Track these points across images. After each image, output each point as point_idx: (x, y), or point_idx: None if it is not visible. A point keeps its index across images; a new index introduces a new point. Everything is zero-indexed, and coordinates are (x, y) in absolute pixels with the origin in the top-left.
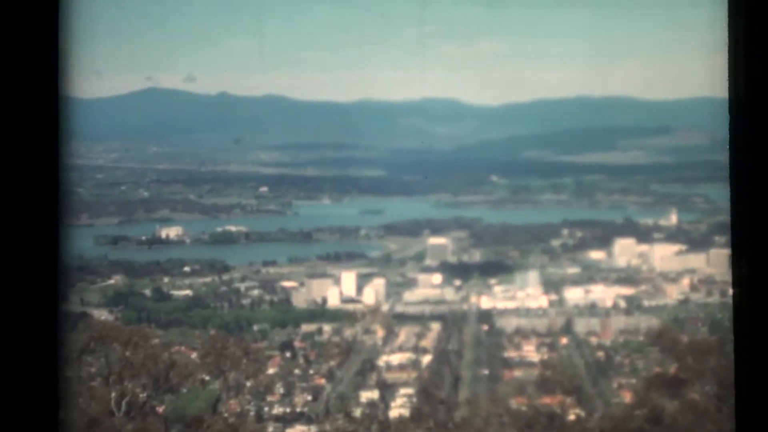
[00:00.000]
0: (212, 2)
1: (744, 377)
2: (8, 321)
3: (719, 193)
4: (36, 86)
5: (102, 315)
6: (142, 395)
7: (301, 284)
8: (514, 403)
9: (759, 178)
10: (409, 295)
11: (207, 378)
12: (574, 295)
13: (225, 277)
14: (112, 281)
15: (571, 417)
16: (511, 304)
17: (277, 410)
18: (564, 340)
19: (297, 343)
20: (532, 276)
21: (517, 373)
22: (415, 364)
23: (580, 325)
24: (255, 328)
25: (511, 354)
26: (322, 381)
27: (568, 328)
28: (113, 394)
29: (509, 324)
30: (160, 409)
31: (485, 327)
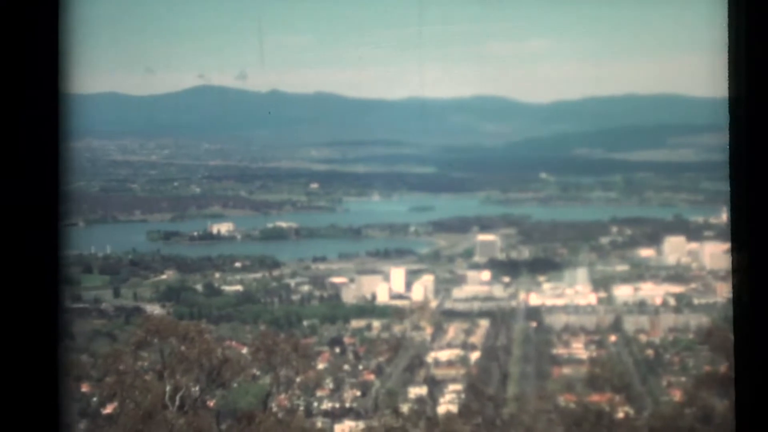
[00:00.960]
0: (259, 1)
1: (744, 377)
2: (8, 320)
3: None
4: (36, 85)
5: (154, 310)
6: (195, 390)
7: (351, 280)
8: (563, 400)
9: (759, 178)
10: (458, 292)
11: (257, 373)
12: (623, 292)
13: (275, 272)
14: (164, 276)
15: (620, 415)
16: (559, 302)
17: (326, 405)
18: (613, 338)
19: (346, 339)
20: (581, 273)
21: (566, 370)
22: (463, 361)
23: (629, 323)
24: (305, 323)
25: (559, 351)
26: (371, 377)
27: (617, 326)
28: (167, 388)
29: (558, 321)
30: (211, 404)
31: (534, 324)
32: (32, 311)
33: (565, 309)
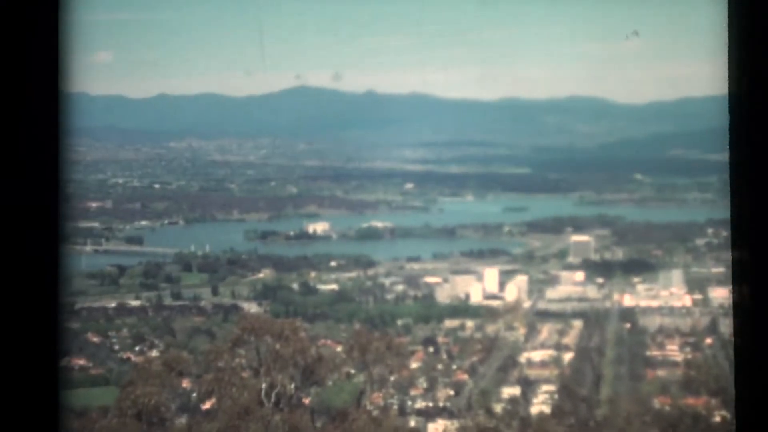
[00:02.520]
0: (359, 1)
1: (744, 377)
2: (8, 320)
3: None
4: (36, 85)
5: (251, 308)
6: (290, 387)
7: (445, 280)
8: (657, 402)
9: (759, 177)
10: (552, 293)
11: (352, 371)
12: (719, 294)
13: (370, 272)
14: (261, 275)
15: (717, 419)
16: (654, 303)
17: (420, 404)
18: (708, 341)
19: (440, 339)
20: (676, 275)
21: (660, 372)
22: (556, 361)
23: (725, 326)
24: (399, 322)
25: (654, 353)
26: (464, 376)
27: (713, 328)
28: (263, 385)
29: (652, 323)
30: (306, 401)
31: (628, 325)
32: (32, 311)
33: (659, 311)
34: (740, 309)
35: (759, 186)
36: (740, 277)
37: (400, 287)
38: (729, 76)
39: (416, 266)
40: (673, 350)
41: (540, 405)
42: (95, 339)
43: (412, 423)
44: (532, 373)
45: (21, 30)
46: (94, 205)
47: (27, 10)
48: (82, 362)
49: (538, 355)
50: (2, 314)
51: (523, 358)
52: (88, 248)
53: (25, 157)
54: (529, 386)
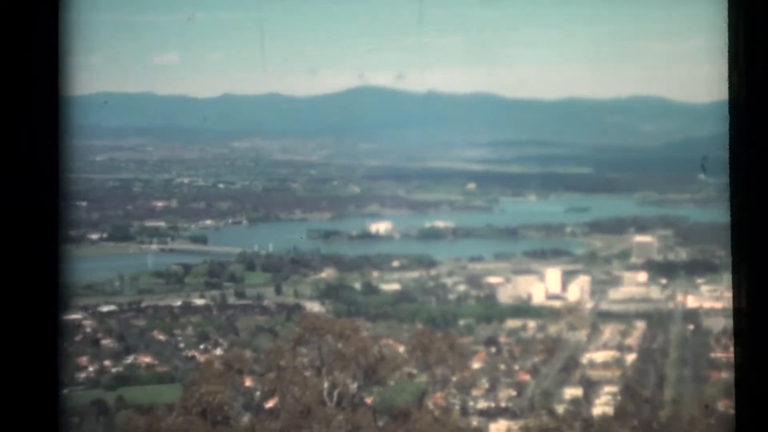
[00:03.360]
0: (423, 2)
1: (744, 378)
2: (8, 320)
3: None
4: (36, 86)
5: (314, 307)
6: (352, 386)
7: (507, 280)
8: (721, 405)
9: (759, 178)
10: (614, 293)
11: (414, 371)
12: None
13: (432, 271)
14: (323, 274)
15: None
16: (717, 304)
17: (482, 404)
18: None
19: (502, 339)
20: None
21: (725, 374)
22: (619, 362)
23: None
24: (461, 322)
25: (717, 355)
26: (527, 377)
27: None
28: (325, 385)
29: (716, 324)
30: (368, 401)
31: (691, 326)
32: (32, 311)
33: (723, 312)
34: (740, 309)
35: (759, 186)
36: (740, 278)
37: (462, 287)
38: (729, 78)
39: (478, 266)
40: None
41: (602, 406)
42: (161, 337)
43: (474, 423)
44: (595, 374)
45: (21, 30)
46: (159, 204)
47: (27, 10)
48: (148, 360)
49: (600, 356)
50: (2, 314)
51: (585, 358)
52: (154, 247)
53: (25, 157)
54: (591, 387)
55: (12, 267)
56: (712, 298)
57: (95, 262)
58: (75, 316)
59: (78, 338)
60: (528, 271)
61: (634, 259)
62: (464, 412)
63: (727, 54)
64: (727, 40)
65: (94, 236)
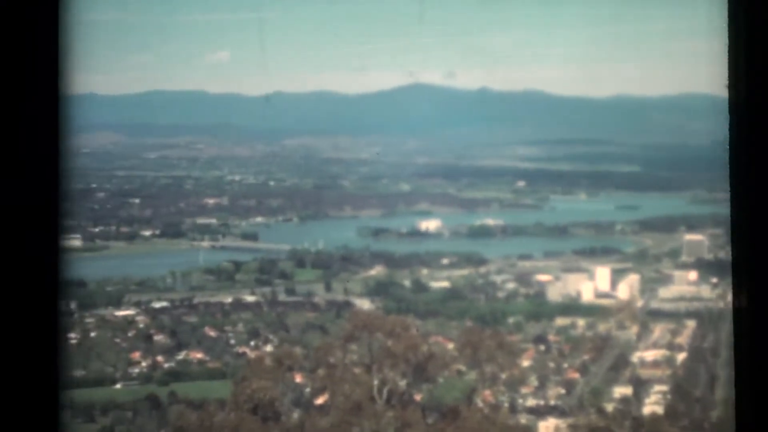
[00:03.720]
0: (472, 0)
1: (744, 377)
2: (8, 321)
3: None
4: (36, 85)
5: (363, 304)
6: (402, 384)
7: (556, 278)
8: None
9: (759, 178)
10: (665, 292)
11: (463, 369)
12: None
13: (482, 269)
14: (373, 272)
15: None
16: None
17: (531, 402)
18: None
19: (551, 337)
20: None
21: None
22: (669, 361)
23: None
24: (510, 320)
25: None
26: (576, 375)
27: None
28: (375, 382)
29: None
30: (418, 398)
31: None
32: (32, 312)
33: None
34: (740, 309)
35: (759, 186)
36: (740, 278)
37: (511, 285)
38: (729, 78)
39: (528, 264)
40: None
41: (653, 405)
42: (212, 333)
43: (523, 421)
44: (645, 373)
45: (21, 30)
46: (211, 201)
47: (27, 10)
48: (199, 356)
49: (650, 355)
50: (1, 315)
51: (635, 357)
52: (205, 244)
53: (25, 157)
54: (641, 386)
55: (12, 267)
56: None
57: (148, 259)
58: (128, 312)
59: (131, 334)
60: (577, 269)
61: (684, 258)
62: (513, 409)
63: (727, 54)
64: (726, 40)
65: (147, 233)
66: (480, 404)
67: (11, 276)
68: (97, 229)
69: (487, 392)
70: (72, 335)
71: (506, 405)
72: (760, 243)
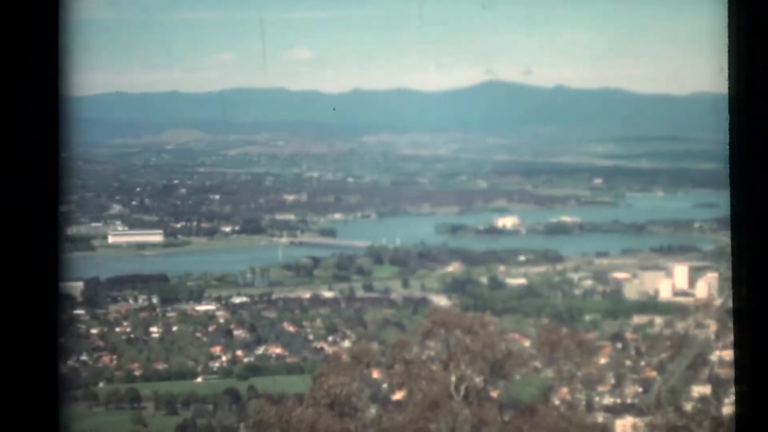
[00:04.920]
0: None
1: (744, 377)
2: (7, 321)
3: None
4: (36, 85)
5: (440, 301)
6: (479, 381)
7: (634, 276)
8: None
9: (759, 178)
10: None
11: (539, 366)
12: None
13: (558, 267)
14: (450, 269)
15: None
16: None
17: (608, 400)
18: None
19: (628, 335)
20: None
21: None
22: None
23: None
24: (587, 318)
25: None
26: (653, 373)
27: None
28: (452, 379)
29: None
30: (494, 395)
31: None
32: (32, 312)
33: None
34: (740, 309)
35: (759, 186)
36: (740, 278)
37: (588, 282)
38: (729, 77)
39: (605, 261)
40: None
41: (732, 405)
42: (290, 328)
43: (600, 419)
44: (724, 372)
45: (21, 30)
46: (290, 198)
47: (27, 10)
48: (278, 350)
49: (729, 354)
50: (1, 315)
51: (714, 356)
52: (284, 240)
53: (25, 157)
54: (720, 386)
55: (12, 267)
56: None
57: (228, 255)
58: (209, 306)
59: (212, 329)
60: (655, 267)
61: None
62: (590, 407)
63: (727, 52)
64: (727, 39)
65: (227, 229)
66: (556, 402)
67: (11, 276)
68: (178, 225)
69: (564, 390)
70: (154, 329)
71: (583, 403)
72: (760, 243)
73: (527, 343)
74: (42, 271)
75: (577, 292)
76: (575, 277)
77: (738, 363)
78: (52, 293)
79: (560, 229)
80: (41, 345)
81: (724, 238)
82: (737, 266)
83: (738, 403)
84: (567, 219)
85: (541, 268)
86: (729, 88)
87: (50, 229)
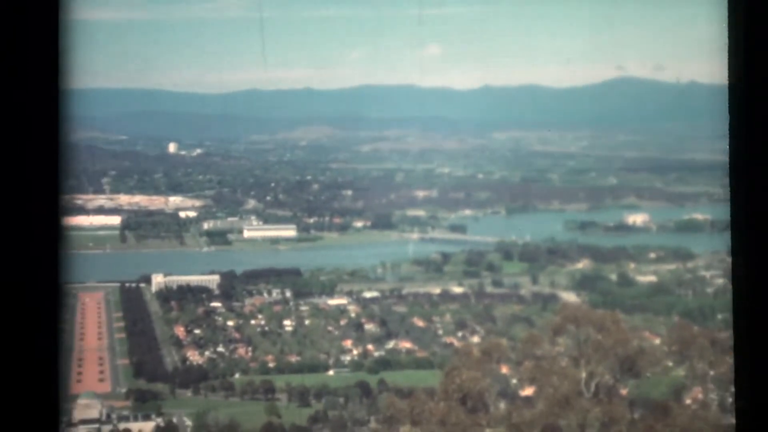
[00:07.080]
0: None
1: (744, 377)
2: (8, 321)
3: None
4: (36, 84)
5: (570, 298)
6: (609, 378)
7: None
8: None
9: (759, 172)
10: None
11: (671, 364)
12: None
13: (689, 264)
14: (579, 265)
15: None
16: None
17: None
18: None
19: None
20: None
21: None
22: None
23: None
24: (719, 316)
25: None
26: None
27: None
28: (583, 375)
29: None
30: (624, 392)
31: None
32: (31, 311)
33: None
34: (740, 309)
35: (759, 186)
36: (740, 277)
37: (720, 281)
38: (729, 69)
39: None
40: None
41: None
42: (420, 323)
43: (733, 420)
44: None
45: (21, 30)
46: (420, 194)
47: (27, 10)
48: (408, 345)
49: None
50: (1, 314)
51: None
52: (415, 236)
53: (25, 156)
54: None
55: (12, 267)
56: None
57: (359, 250)
58: (341, 301)
59: (343, 322)
60: None
61: None
62: (723, 408)
63: (727, 49)
64: (726, 34)
65: (359, 224)
66: (689, 402)
67: (11, 276)
68: (311, 220)
69: (697, 389)
70: (288, 323)
71: (716, 403)
72: (760, 242)
73: (657, 341)
74: (42, 271)
75: (709, 290)
76: (707, 274)
77: (738, 364)
78: (52, 293)
79: (691, 227)
80: (41, 345)
81: None
82: (737, 267)
83: (738, 402)
84: (698, 216)
85: (671, 266)
86: (729, 80)
87: (50, 229)
